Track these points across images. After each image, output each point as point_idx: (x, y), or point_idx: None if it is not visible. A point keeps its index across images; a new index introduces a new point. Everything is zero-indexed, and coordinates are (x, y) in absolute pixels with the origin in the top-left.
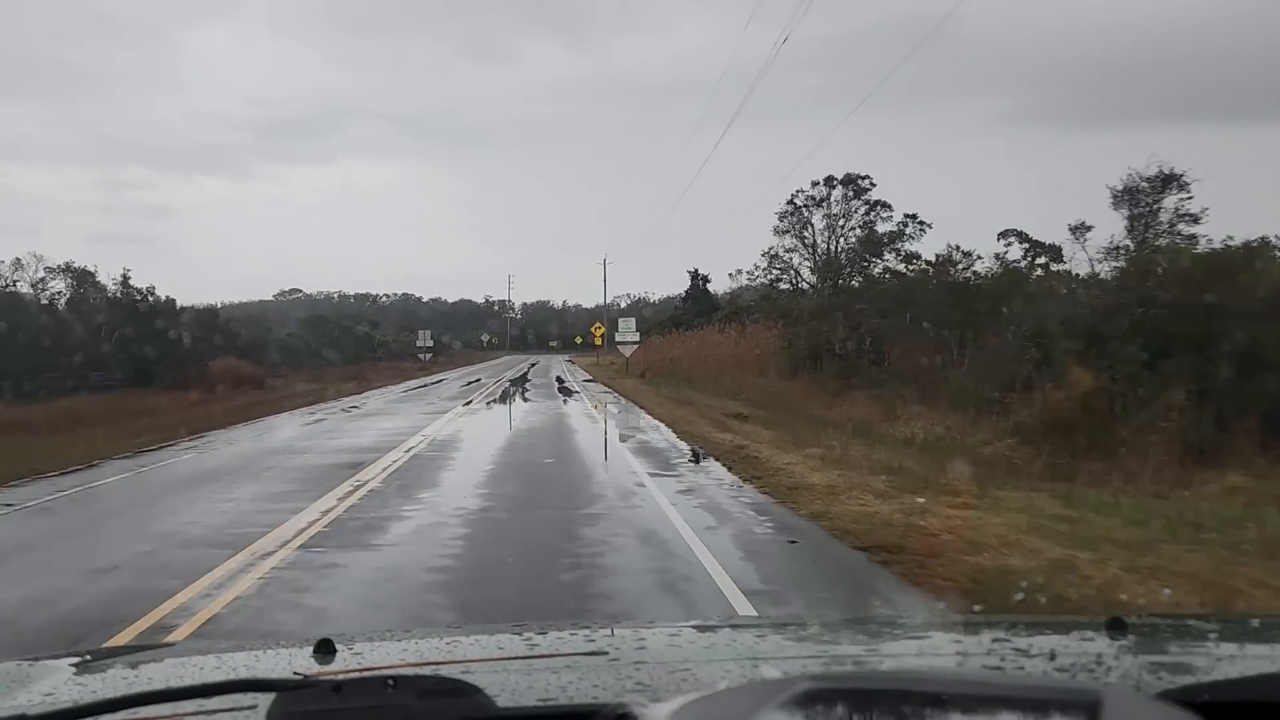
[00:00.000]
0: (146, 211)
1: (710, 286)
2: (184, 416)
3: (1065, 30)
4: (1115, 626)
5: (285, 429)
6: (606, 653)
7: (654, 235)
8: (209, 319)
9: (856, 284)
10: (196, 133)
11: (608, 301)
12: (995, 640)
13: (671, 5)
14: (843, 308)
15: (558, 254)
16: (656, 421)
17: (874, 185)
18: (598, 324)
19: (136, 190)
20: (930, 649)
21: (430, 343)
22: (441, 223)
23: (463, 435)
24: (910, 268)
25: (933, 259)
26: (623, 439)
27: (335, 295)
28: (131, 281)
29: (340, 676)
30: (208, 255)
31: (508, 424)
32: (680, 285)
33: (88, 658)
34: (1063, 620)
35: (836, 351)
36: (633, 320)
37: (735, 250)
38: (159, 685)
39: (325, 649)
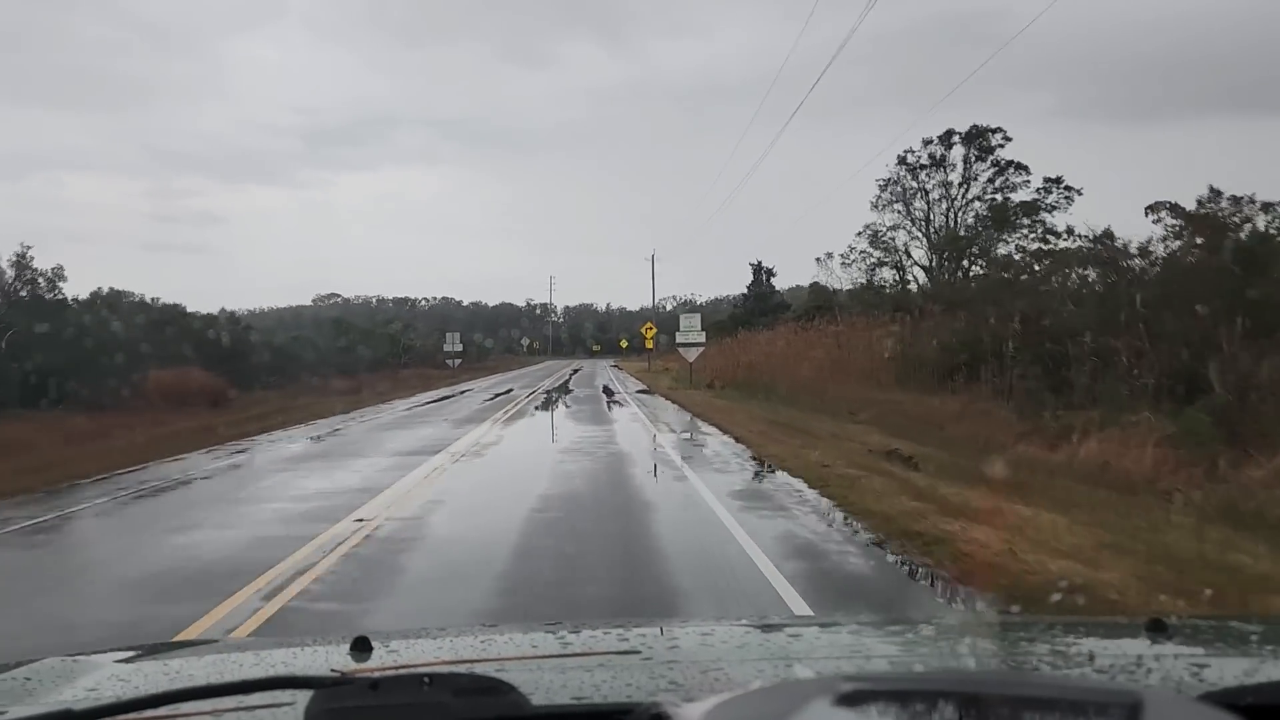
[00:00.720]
0: (195, 219)
1: (774, 281)
2: (21, 464)
3: (1111, 26)
4: (1155, 628)
5: (117, 505)
6: (639, 651)
7: (699, 237)
8: (165, 318)
9: (980, 268)
10: (243, 141)
11: (655, 303)
12: (1033, 641)
13: (709, 5)
14: (998, 293)
15: (600, 257)
16: (784, 473)
17: (1008, 140)
18: (649, 324)
19: (185, 199)
20: (967, 650)
21: (459, 346)
22: (482, 227)
23: (435, 521)
24: (1064, 243)
25: (1197, 210)
26: (753, 532)
27: (374, 299)
28: (34, 264)
29: (376, 674)
30: (252, 262)
31: (530, 480)
32: (729, 286)
33: (130, 654)
34: (1101, 621)
35: (1010, 353)
36: (697, 317)
37: (787, 250)
38: (200, 681)
39: (361, 646)
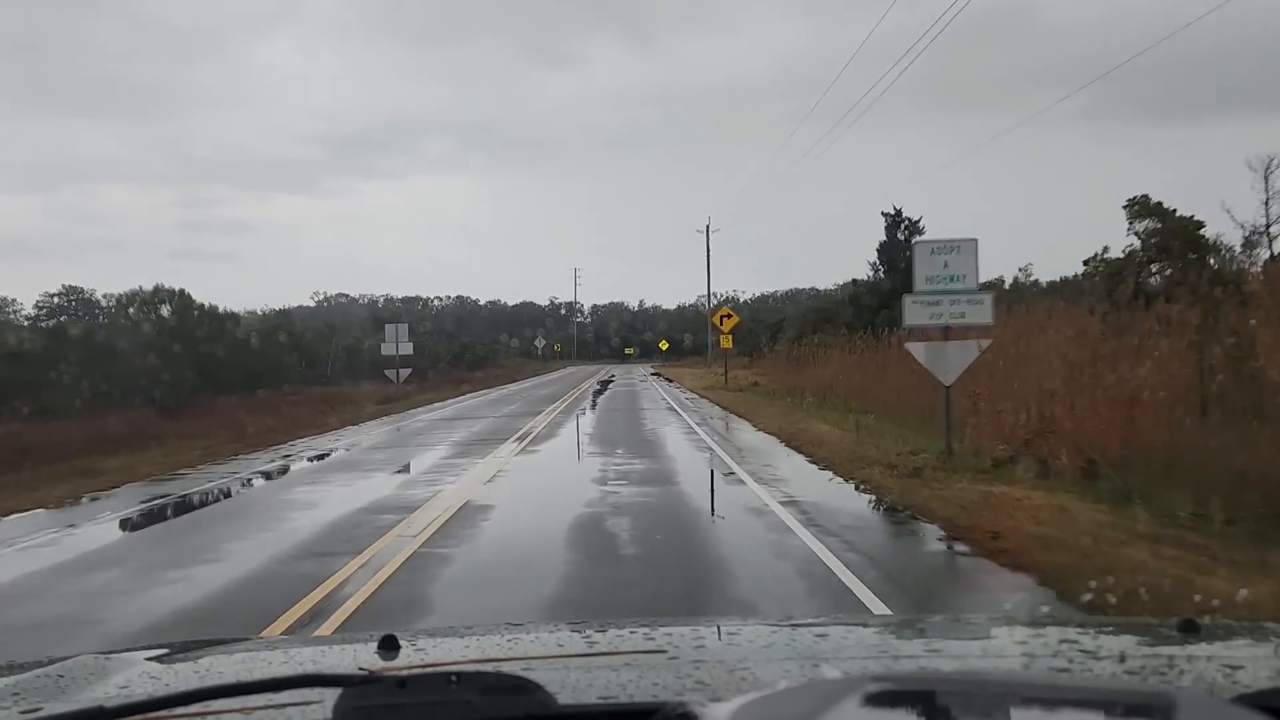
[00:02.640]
0: (220, 226)
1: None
2: None
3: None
4: (1187, 629)
5: None
6: (665, 651)
7: (739, 233)
8: None
9: None
10: (265, 147)
11: (709, 290)
12: (1063, 641)
13: (736, 3)
14: None
15: (629, 257)
16: None
17: None
18: (726, 310)
19: (211, 207)
20: (995, 650)
21: (408, 347)
22: (505, 228)
23: None
24: None
25: None
26: None
27: (380, 299)
28: None
29: (404, 672)
30: (269, 267)
31: None
32: (770, 284)
33: (162, 652)
34: (1132, 622)
35: None
36: (969, 251)
37: (828, 254)
38: (229, 679)
39: (389, 645)
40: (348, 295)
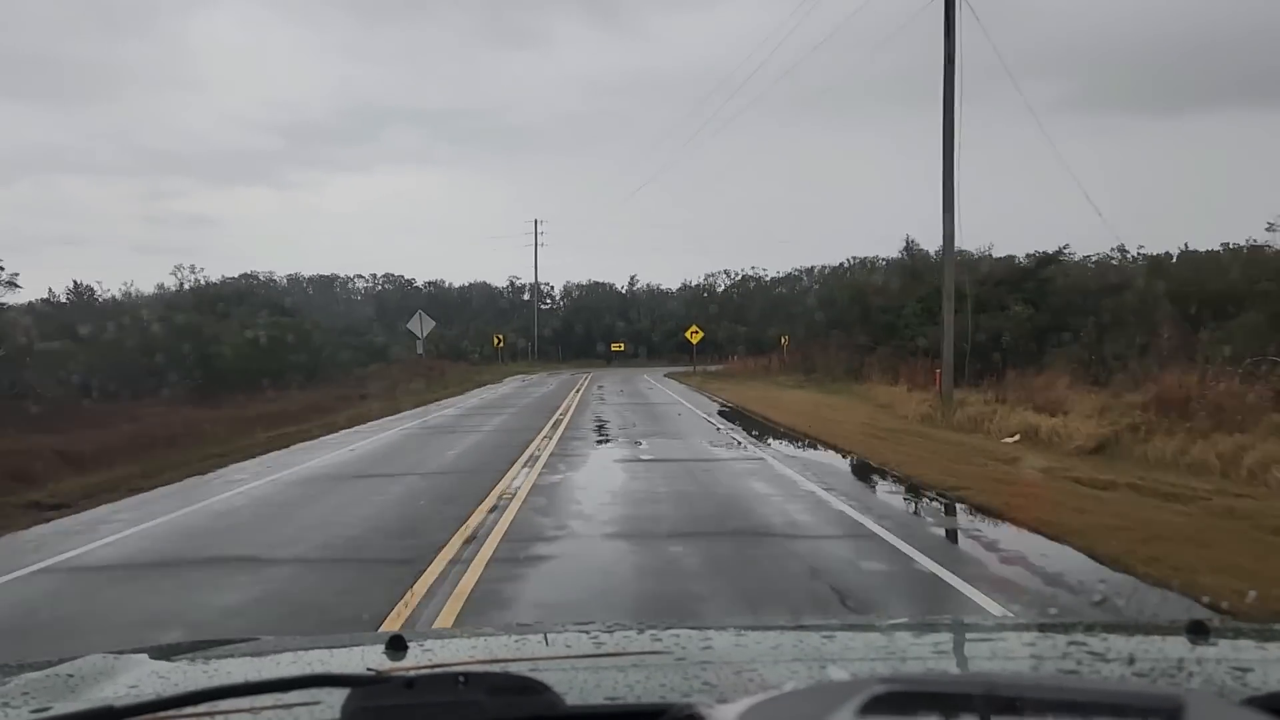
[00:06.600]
0: (172, 216)
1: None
2: None
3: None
4: (1196, 631)
5: None
6: (672, 652)
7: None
8: None
9: None
10: (218, 135)
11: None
12: (1071, 644)
13: None
14: None
15: (614, 228)
16: None
17: None
18: None
19: (169, 199)
20: (1003, 652)
21: None
22: (466, 211)
23: None
24: None
25: None
26: None
27: (284, 279)
28: None
29: (412, 673)
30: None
31: None
32: (787, 262)
33: (170, 651)
34: (1141, 624)
35: None
36: None
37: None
38: (238, 679)
39: (397, 645)
40: (255, 275)
